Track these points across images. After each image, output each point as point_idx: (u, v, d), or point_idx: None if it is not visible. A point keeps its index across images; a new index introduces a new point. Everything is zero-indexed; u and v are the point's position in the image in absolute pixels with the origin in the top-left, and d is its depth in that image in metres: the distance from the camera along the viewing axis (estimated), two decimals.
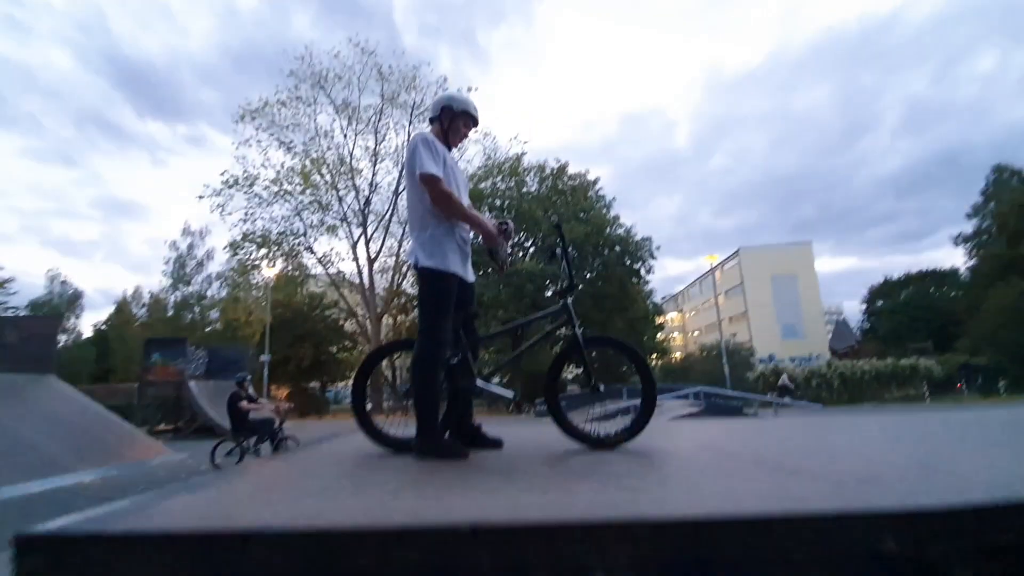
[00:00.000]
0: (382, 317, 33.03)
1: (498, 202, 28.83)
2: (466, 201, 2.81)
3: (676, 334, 68.76)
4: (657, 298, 35.25)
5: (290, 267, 32.39)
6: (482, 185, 28.82)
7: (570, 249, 3.02)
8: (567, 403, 2.91)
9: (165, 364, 15.13)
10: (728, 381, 23.43)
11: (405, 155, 2.80)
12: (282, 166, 30.37)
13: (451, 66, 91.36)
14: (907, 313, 42.60)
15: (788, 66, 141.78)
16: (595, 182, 29.70)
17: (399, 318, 34.79)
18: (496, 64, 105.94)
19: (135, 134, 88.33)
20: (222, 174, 29.38)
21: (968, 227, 39.91)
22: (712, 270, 34.33)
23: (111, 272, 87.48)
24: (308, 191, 30.08)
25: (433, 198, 2.54)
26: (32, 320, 11.44)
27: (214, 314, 37.52)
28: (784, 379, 26.36)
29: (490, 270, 26.53)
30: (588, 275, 28.61)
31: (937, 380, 27.58)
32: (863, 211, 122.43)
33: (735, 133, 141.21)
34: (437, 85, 30.48)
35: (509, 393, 2.71)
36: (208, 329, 37.26)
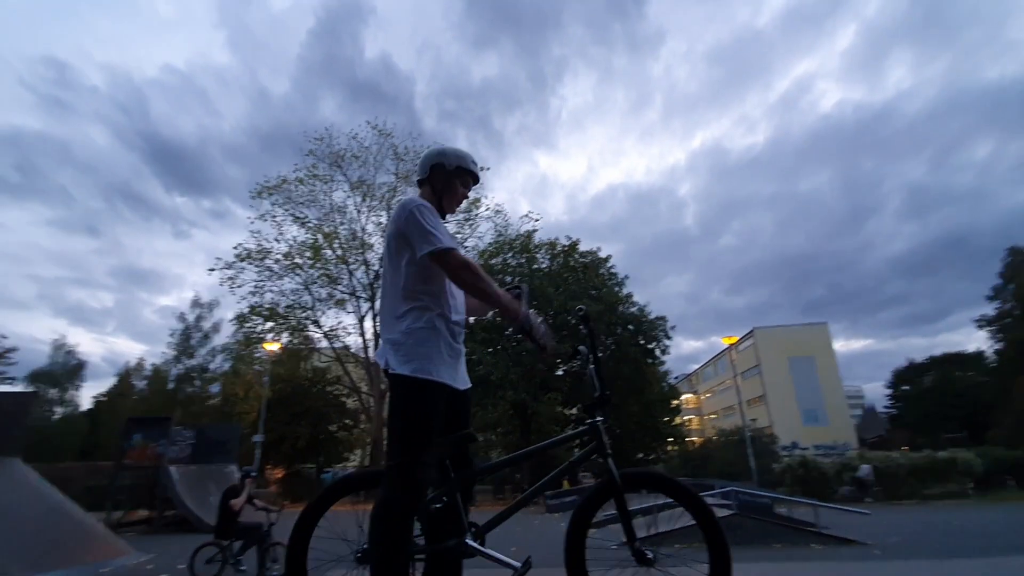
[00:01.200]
0: (386, 394, 31.93)
1: (508, 278, 28.56)
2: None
3: (691, 417, 66.12)
4: (671, 379, 33.90)
5: (296, 340, 31.86)
6: (493, 261, 28.70)
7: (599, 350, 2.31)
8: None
9: (145, 445, 14.08)
10: (755, 474, 21.65)
11: (388, 228, 2.15)
12: (295, 240, 30.75)
13: (467, 147, 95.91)
14: (934, 399, 40.53)
15: (790, 152, 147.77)
16: (607, 259, 29.54)
17: None
18: (510, 145, 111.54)
19: (161, 207, 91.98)
20: (235, 248, 29.69)
21: (989, 309, 38.96)
22: (728, 350, 33.12)
23: (120, 341, 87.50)
24: (319, 264, 30.17)
25: (453, 273, 1.91)
26: (4, 396, 10.67)
27: (214, 388, 36.51)
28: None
29: (499, 347, 25.74)
30: (601, 355, 27.56)
31: (977, 475, 25.46)
32: (875, 292, 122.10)
33: (743, 214, 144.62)
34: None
35: (516, 563, 1.91)
36: (209, 403, 36.13)
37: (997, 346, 38.76)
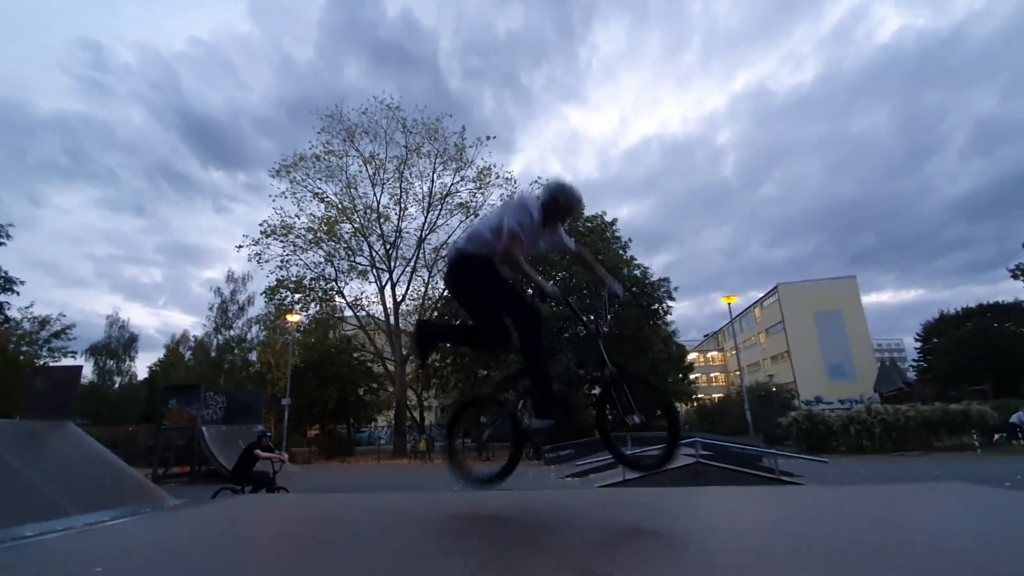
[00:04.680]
0: (407, 359, 33.75)
1: None
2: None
3: (718, 374, 66.35)
4: (700, 335, 34.36)
5: (322, 310, 33.88)
6: None
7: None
8: None
9: (180, 409, 16.13)
10: (751, 428, 22.35)
11: (512, 200, 3.15)
12: (314, 216, 32.29)
13: (494, 106, 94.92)
14: (965, 352, 39.51)
15: (842, 89, 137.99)
16: (612, 223, 29.87)
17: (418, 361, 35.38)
18: (539, 102, 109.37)
19: (200, 183, 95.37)
20: (260, 224, 31.46)
21: None
22: (747, 310, 33.14)
23: (172, 314, 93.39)
24: (335, 238, 31.69)
25: (504, 251, 2.70)
26: (57, 369, 12.49)
27: (252, 357, 39.31)
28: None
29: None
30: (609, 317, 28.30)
31: (994, 428, 25.31)
32: (932, 239, 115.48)
33: (787, 161, 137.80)
34: (458, 136, 31.91)
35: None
36: (250, 371, 39.00)
37: None
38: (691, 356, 51.27)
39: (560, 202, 2.92)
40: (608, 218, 29.85)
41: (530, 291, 2.94)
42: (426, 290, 33.80)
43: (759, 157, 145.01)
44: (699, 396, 37.10)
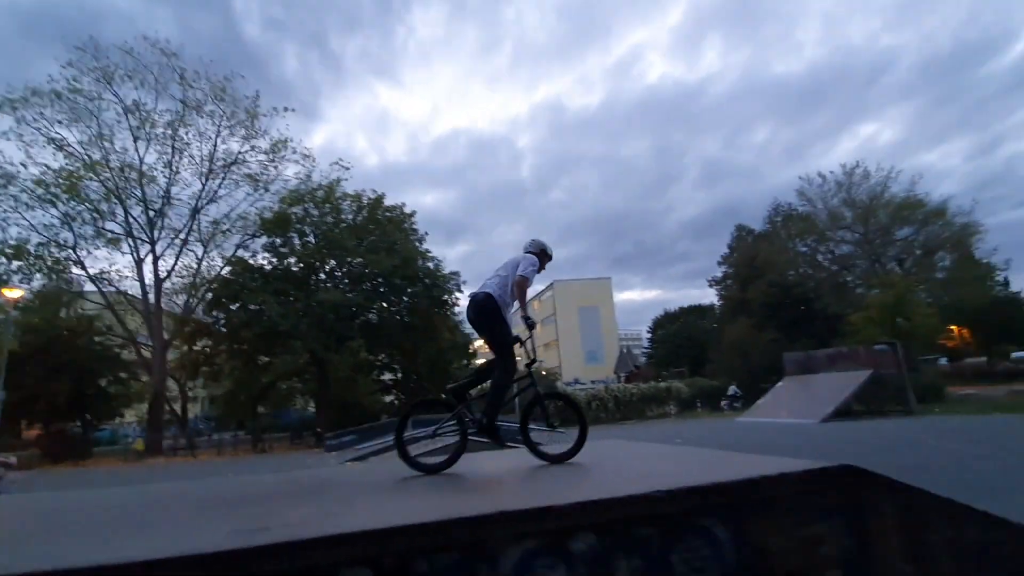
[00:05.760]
0: (169, 345, 29.84)
1: (308, 230, 28.29)
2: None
3: None
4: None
5: (52, 283, 27.85)
6: (293, 210, 28.07)
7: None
8: None
9: None
10: (517, 408, 26.10)
11: (521, 256, 3.97)
12: (48, 167, 26.36)
13: (297, 66, 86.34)
14: (674, 342, 51.33)
15: (618, 117, 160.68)
16: (411, 215, 30.99)
17: (184, 348, 31.63)
18: (350, 72, 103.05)
19: None
20: None
21: (718, 272, 49.94)
22: (527, 303, 37.77)
23: None
24: (79, 198, 26.41)
25: (519, 287, 3.71)
26: None
27: None
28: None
29: (291, 298, 26.08)
30: (398, 307, 29.56)
31: (685, 400, 33.96)
32: (668, 250, 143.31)
33: (573, 171, 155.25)
34: (251, 101, 29.30)
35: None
36: None
37: (720, 302, 50.17)
38: (478, 343, 55.56)
39: (548, 254, 4.16)
40: (407, 210, 30.85)
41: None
42: (199, 267, 30.16)
43: (551, 164, 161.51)
44: None
